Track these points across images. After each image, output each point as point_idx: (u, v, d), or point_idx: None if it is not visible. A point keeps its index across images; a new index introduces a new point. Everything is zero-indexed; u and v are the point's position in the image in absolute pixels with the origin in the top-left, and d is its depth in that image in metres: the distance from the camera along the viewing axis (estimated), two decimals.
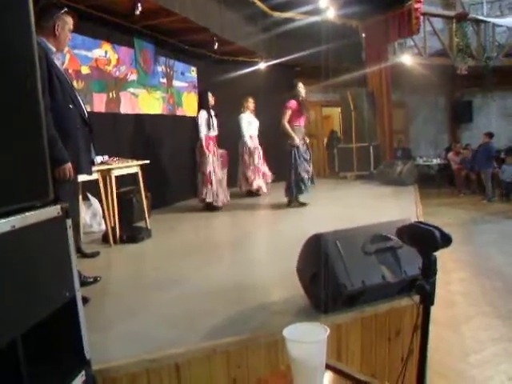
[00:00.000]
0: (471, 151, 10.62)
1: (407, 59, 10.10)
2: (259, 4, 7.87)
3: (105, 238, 4.52)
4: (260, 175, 7.44)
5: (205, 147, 6.08)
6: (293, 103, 6.00)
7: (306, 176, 6.05)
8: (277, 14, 8.55)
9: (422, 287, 1.16)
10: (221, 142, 6.56)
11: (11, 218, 1.26)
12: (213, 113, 6.22)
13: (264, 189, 7.49)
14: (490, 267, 5.06)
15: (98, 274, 3.29)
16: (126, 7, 5.47)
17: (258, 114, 7.63)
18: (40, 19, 2.67)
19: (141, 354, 2.04)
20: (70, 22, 2.87)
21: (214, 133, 6.25)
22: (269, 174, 7.66)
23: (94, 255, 4.00)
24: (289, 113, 5.97)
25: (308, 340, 1.13)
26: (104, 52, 5.77)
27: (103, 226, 4.85)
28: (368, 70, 10.36)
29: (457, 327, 3.60)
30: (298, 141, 5.99)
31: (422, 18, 9.77)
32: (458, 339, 3.40)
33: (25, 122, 1.39)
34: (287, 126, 5.98)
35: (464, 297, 4.25)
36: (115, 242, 4.45)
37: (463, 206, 9.07)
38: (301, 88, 6.10)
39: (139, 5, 5.23)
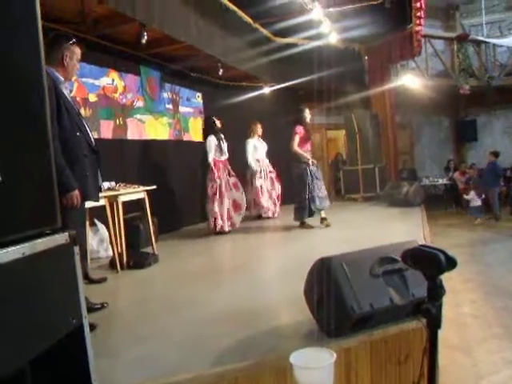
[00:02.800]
0: (477, 170, 10.60)
1: (410, 81, 10.20)
2: (262, 30, 8.01)
3: (112, 264, 4.53)
4: (266, 196, 7.46)
5: (214, 172, 6.12)
6: (300, 129, 6.09)
7: (320, 194, 6.08)
8: (280, 40, 8.69)
9: (428, 311, 1.16)
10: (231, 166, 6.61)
11: (21, 246, 1.28)
12: (222, 137, 6.30)
13: (271, 210, 7.50)
14: (501, 287, 4.98)
15: (105, 300, 3.28)
16: (132, 36, 5.59)
17: (263, 137, 7.71)
18: (49, 50, 2.75)
19: (148, 380, 2.02)
20: (77, 52, 2.95)
21: (225, 157, 6.30)
22: (277, 197, 7.70)
23: (101, 281, 4.00)
24: (297, 138, 6.04)
25: (314, 366, 1.13)
26: (111, 80, 5.88)
27: (110, 252, 4.86)
28: (371, 93, 10.45)
29: (469, 350, 3.54)
30: (311, 159, 6.08)
31: (423, 40, 9.90)
32: (471, 362, 3.34)
33: (33, 150, 1.42)
34: (298, 149, 6.04)
35: (475, 318, 4.18)
36: (122, 267, 4.45)
37: (470, 225, 9.00)
38: (307, 114, 6.20)
39: (145, 34, 5.35)
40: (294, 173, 6.15)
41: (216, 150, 6.18)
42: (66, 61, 2.86)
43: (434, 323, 1.16)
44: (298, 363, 1.15)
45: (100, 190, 3.29)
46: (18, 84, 1.35)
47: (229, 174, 6.43)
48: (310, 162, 6.08)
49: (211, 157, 6.14)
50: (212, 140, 6.18)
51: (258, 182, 7.38)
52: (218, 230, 6.16)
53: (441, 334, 1.32)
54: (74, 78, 4.44)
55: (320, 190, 6.13)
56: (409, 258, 1.28)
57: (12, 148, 1.29)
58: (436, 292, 1.17)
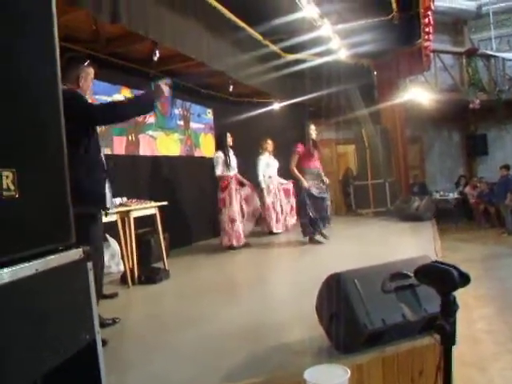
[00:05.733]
0: (487, 184, 10.53)
1: (419, 95, 10.20)
2: (272, 47, 8.09)
3: (123, 279, 4.54)
4: (274, 213, 7.47)
5: (222, 183, 6.15)
6: (300, 147, 6.07)
7: (318, 216, 6.04)
8: (289, 56, 8.75)
9: (442, 327, 1.15)
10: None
11: (35, 262, 1.29)
12: (231, 152, 6.33)
13: (282, 225, 7.51)
14: None
15: (116, 316, 3.30)
16: (144, 54, 5.69)
17: (274, 154, 7.75)
18: (65, 71, 2.82)
19: None
20: (91, 72, 3.06)
21: (233, 172, 6.32)
22: (290, 212, 7.72)
23: (112, 296, 4.02)
24: (296, 157, 6.05)
25: (329, 382, 1.12)
26: (123, 97, 5.96)
27: (122, 267, 4.89)
28: (381, 107, 10.46)
29: (483, 366, 3.47)
30: (306, 183, 6.01)
31: (432, 55, 9.93)
32: (485, 379, 3.28)
33: (48, 165, 1.44)
34: (295, 170, 6.07)
35: (489, 334, 4.11)
36: (133, 282, 4.47)
37: (483, 240, 8.91)
38: (312, 130, 6.17)
39: (157, 51, 5.43)
40: (299, 189, 6.18)
41: (223, 166, 6.21)
42: (81, 81, 2.95)
43: (449, 340, 1.15)
44: (313, 380, 1.14)
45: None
46: (34, 101, 1.38)
47: (241, 186, 6.43)
48: (306, 185, 6.00)
49: (219, 171, 6.19)
50: (219, 155, 6.24)
51: (269, 200, 7.39)
52: (231, 243, 6.16)
53: (454, 350, 1.30)
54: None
55: (322, 210, 6.08)
56: (422, 275, 1.28)
57: (27, 163, 1.31)
58: (450, 308, 1.16)
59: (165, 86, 2.87)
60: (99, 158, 2.96)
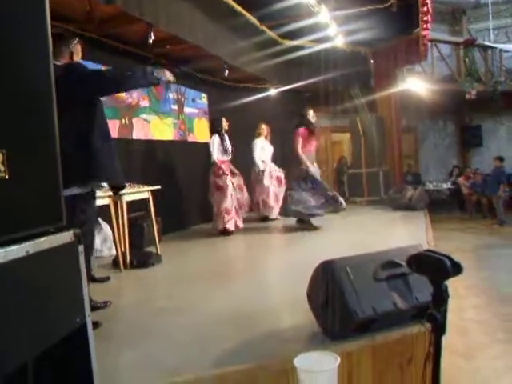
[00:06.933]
0: (481, 175, 10.58)
1: (416, 85, 10.17)
2: (269, 32, 8.01)
3: (115, 263, 4.54)
4: (271, 198, 7.46)
5: (221, 168, 6.14)
6: (303, 131, 6.09)
7: (312, 203, 6.06)
8: (286, 42, 8.68)
9: (433, 316, 1.15)
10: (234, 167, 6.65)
11: (26, 244, 1.28)
12: (226, 137, 6.31)
13: (274, 211, 7.52)
14: (505, 293, 4.96)
15: (107, 299, 3.29)
16: (139, 36, 5.60)
17: (270, 139, 7.74)
18: (56, 48, 2.79)
19: (150, 381, 2.02)
20: (80, 49, 3.07)
21: (228, 157, 6.31)
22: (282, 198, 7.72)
23: (104, 280, 4.01)
24: (300, 140, 6.06)
25: (319, 369, 1.12)
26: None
27: (113, 251, 4.87)
28: (377, 96, 10.44)
29: (471, 356, 3.51)
30: (312, 168, 6.09)
31: (429, 44, 9.88)
32: (473, 368, 3.32)
33: (40, 147, 1.42)
34: (302, 153, 6.08)
35: (478, 324, 4.16)
36: (125, 266, 4.46)
37: (475, 230, 8.97)
38: (310, 116, 6.20)
39: (152, 34, 5.35)
40: (294, 173, 6.17)
41: (219, 150, 6.20)
42: (74, 58, 2.95)
43: (439, 329, 1.16)
44: (303, 367, 1.14)
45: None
46: (26, 81, 1.36)
47: (232, 175, 6.42)
48: (312, 171, 6.08)
49: (215, 155, 6.17)
50: (215, 139, 6.21)
51: (267, 183, 7.39)
52: (225, 227, 6.15)
53: (444, 339, 1.31)
54: None
55: (313, 197, 6.09)
56: (414, 263, 1.28)
57: (19, 145, 1.29)
58: (441, 297, 1.16)
59: (170, 74, 2.85)
60: (107, 127, 2.96)
